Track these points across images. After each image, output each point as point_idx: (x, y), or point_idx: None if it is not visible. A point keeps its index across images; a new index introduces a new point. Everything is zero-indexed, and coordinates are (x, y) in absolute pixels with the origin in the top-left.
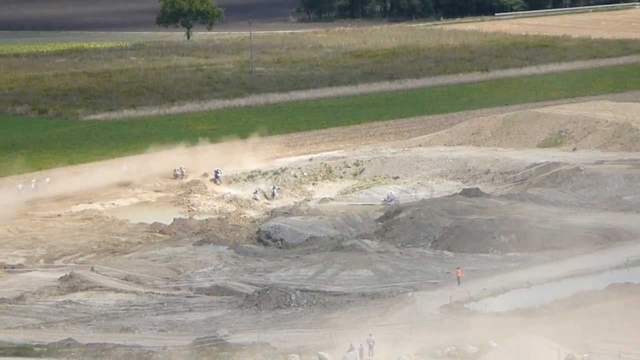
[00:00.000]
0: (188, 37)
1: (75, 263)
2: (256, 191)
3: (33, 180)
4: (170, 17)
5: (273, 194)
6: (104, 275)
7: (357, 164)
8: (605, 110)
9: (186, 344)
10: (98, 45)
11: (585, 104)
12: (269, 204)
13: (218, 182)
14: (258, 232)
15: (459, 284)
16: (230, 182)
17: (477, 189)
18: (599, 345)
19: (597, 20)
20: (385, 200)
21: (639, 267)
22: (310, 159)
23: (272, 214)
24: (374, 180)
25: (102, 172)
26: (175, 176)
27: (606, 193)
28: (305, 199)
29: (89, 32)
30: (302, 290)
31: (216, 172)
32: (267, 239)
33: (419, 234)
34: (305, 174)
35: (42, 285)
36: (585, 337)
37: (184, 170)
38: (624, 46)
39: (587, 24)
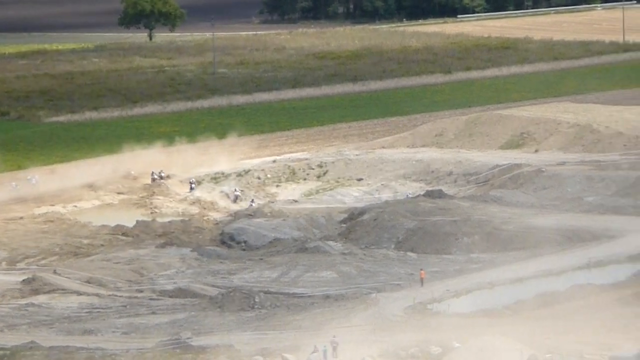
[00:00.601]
0: (150, 39)
1: (38, 266)
2: (236, 189)
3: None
4: (132, 19)
5: (236, 198)
6: (66, 277)
7: (320, 166)
8: (567, 111)
9: (149, 346)
10: (60, 47)
11: (547, 105)
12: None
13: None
14: (221, 234)
15: (422, 285)
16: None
17: (441, 190)
18: (562, 346)
19: (559, 22)
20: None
21: (601, 268)
22: (274, 161)
23: (236, 215)
24: (337, 182)
25: (64, 174)
26: (153, 180)
27: (568, 194)
28: (269, 201)
29: (51, 34)
30: (265, 292)
31: (191, 182)
32: (230, 241)
33: (382, 236)
34: (268, 175)
35: (4, 288)
36: (548, 338)
37: (163, 174)
38: (586, 48)
39: (548, 26)
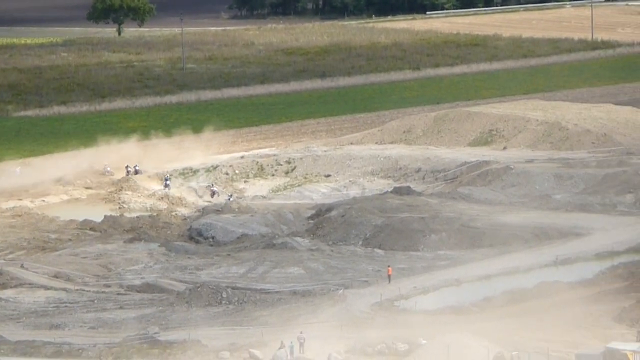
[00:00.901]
0: (119, 34)
1: (5, 260)
2: (212, 185)
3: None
4: (101, 13)
5: (213, 193)
6: (33, 272)
7: (288, 162)
8: (535, 109)
9: (117, 341)
10: (28, 41)
11: (515, 102)
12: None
13: (167, 189)
14: (189, 229)
15: (389, 282)
16: (160, 179)
17: (409, 187)
18: (528, 343)
19: (528, 20)
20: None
21: (568, 266)
22: (242, 157)
23: (204, 211)
24: (305, 178)
25: (32, 169)
26: (128, 173)
27: (536, 192)
28: (236, 197)
29: (19, 28)
30: (233, 288)
31: (166, 178)
32: (198, 236)
33: (350, 232)
34: (237, 171)
35: None
36: (515, 335)
37: (138, 168)
38: (555, 45)
39: (518, 23)
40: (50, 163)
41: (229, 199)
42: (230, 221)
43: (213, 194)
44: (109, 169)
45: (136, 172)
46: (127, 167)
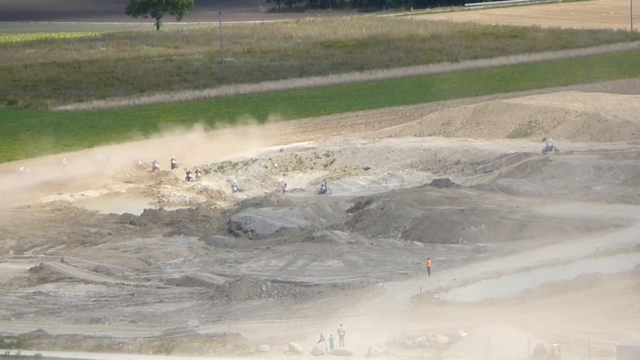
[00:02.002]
0: (157, 28)
1: (45, 254)
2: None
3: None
4: (139, 7)
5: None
6: (73, 266)
7: (327, 155)
8: (574, 100)
9: (157, 335)
10: (67, 36)
11: (554, 94)
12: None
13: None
14: (228, 223)
15: (429, 274)
16: (202, 173)
17: (448, 179)
18: (569, 335)
19: (567, 11)
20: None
21: (608, 257)
22: (281, 150)
23: (243, 204)
24: (344, 171)
25: (72, 163)
26: (173, 166)
27: (575, 183)
28: (275, 190)
29: (58, 23)
30: (272, 281)
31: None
32: (237, 229)
33: (389, 225)
34: (275, 164)
35: (11, 277)
36: (555, 327)
37: (174, 162)
38: (593, 36)
39: (556, 14)
40: (90, 157)
41: (284, 190)
42: (269, 214)
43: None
44: (157, 164)
45: (173, 166)
46: (172, 159)
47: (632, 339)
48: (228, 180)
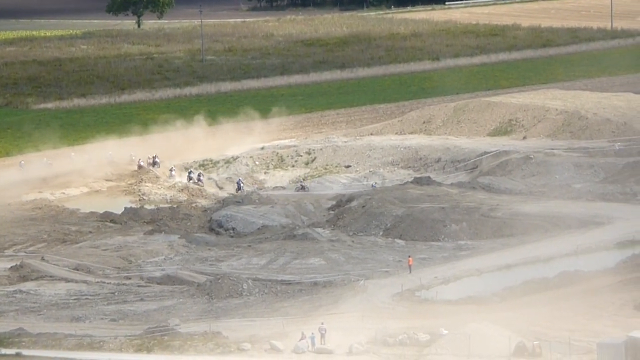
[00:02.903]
0: (139, 26)
1: (26, 252)
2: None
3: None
4: (120, 5)
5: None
6: (54, 264)
7: (309, 153)
8: (555, 98)
9: (137, 333)
10: (48, 34)
11: (535, 92)
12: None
13: (200, 183)
14: (210, 221)
15: (410, 272)
16: (181, 171)
17: (429, 177)
18: (550, 333)
19: (547, 9)
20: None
21: (589, 255)
22: (262, 148)
23: (224, 202)
24: (325, 168)
25: (52, 161)
26: (155, 164)
27: (556, 181)
28: (257, 188)
29: (39, 21)
30: (254, 279)
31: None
32: (218, 227)
33: (370, 223)
34: (257, 162)
35: None
36: (536, 325)
37: (157, 160)
38: (574, 34)
39: (536, 13)
40: (70, 155)
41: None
42: (250, 212)
43: (239, 187)
44: (142, 162)
45: (154, 164)
46: (149, 157)
47: (612, 336)
48: (210, 179)
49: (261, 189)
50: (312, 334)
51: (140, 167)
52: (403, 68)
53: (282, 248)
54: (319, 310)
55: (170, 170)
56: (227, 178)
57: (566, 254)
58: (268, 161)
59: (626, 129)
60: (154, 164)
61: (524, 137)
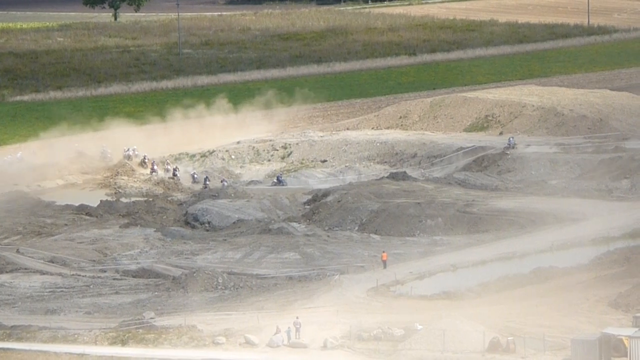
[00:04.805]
0: (115, 18)
1: (1, 245)
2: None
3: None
4: None
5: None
6: (29, 257)
7: (285, 147)
8: (531, 94)
9: (112, 326)
10: (24, 26)
11: (511, 88)
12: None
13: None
14: (185, 214)
15: (385, 267)
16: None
17: (405, 172)
18: (524, 329)
19: (524, 5)
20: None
21: (564, 251)
22: (238, 142)
23: (200, 196)
24: (302, 163)
25: (29, 153)
26: (129, 157)
27: (532, 177)
28: (232, 182)
29: (15, 12)
30: (229, 273)
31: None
32: (194, 221)
33: (346, 217)
34: (233, 156)
35: None
36: (511, 321)
37: (136, 151)
38: (551, 31)
39: (513, 9)
40: (46, 148)
41: (224, 184)
42: (226, 206)
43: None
44: (109, 154)
45: (129, 157)
46: (125, 150)
47: (586, 332)
48: (186, 172)
49: (236, 183)
50: (288, 328)
51: (128, 157)
52: (380, 63)
53: (258, 242)
54: (293, 305)
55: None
56: (203, 172)
57: (541, 250)
58: (244, 155)
59: (602, 126)
60: (129, 157)
61: (501, 133)
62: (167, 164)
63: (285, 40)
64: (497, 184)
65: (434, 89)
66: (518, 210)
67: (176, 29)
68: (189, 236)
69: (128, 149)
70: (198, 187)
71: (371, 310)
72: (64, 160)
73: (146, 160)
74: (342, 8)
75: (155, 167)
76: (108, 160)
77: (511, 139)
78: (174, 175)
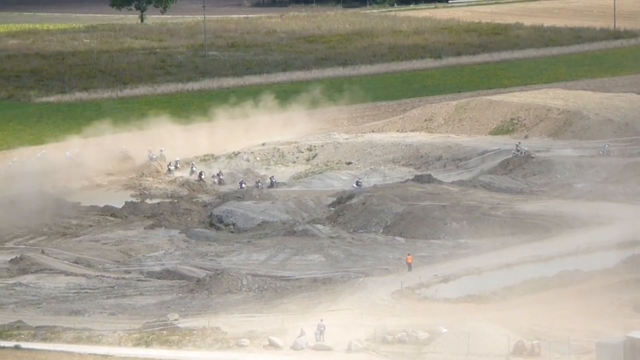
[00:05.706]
0: (142, 20)
1: (26, 245)
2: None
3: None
4: (124, 0)
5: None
6: (54, 258)
7: (310, 149)
8: (556, 98)
9: (136, 327)
10: (51, 27)
11: (537, 91)
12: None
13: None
14: (210, 216)
15: (410, 270)
16: (182, 166)
17: (429, 175)
18: (549, 332)
19: (550, 8)
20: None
21: (589, 255)
22: (263, 144)
23: (224, 198)
24: (326, 165)
25: (55, 154)
26: (152, 158)
27: (557, 180)
28: (257, 183)
29: (42, 14)
30: (253, 275)
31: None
32: (219, 223)
33: (371, 220)
34: (258, 158)
35: None
36: (535, 324)
37: (154, 155)
38: (576, 34)
39: (539, 12)
40: (72, 149)
41: (257, 186)
42: (251, 208)
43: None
44: (153, 155)
45: (152, 159)
46: (149, 151)
47: (611, 336)
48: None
49: (262, 185)
50: (316, 329)
51: (152, 158)
52: (405, 66)
53: (282, 244)
54: (318, 307)
55: (174, 163)
56: (228, 173)
57: (566, 254)
58: (269, 157)
59: (628, 130)
60: (152, 159)
61: (526, 136)
62: (193, 165)
63: (311, 43)
64: (522, 187)
65: (459, 92)
66: (543, 213)
67: (202, 31)
68: (214, 238)
69: (154, 151)
70: (223, 188)
71: (396, 313)
72: (90, 161)
73: (178, 165)
74: (367, 11)
75: (171, 166)
76: (154, 162)
77: (518, 144)
78: (200, 178)
